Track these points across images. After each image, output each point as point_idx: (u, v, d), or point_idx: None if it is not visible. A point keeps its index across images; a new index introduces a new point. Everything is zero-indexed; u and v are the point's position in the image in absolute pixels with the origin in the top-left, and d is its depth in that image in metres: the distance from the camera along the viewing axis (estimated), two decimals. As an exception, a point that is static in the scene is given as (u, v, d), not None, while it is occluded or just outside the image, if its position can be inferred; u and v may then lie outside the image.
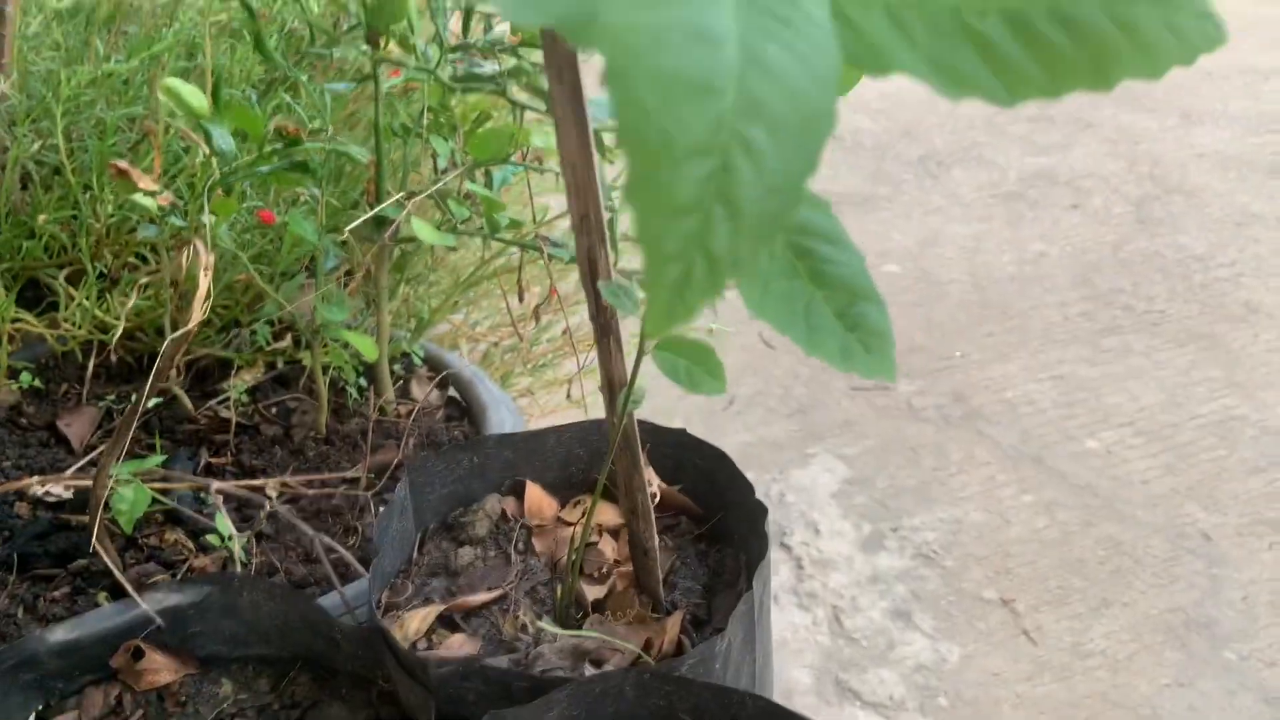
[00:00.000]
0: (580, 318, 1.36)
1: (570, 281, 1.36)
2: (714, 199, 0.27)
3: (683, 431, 0.89)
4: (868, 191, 2.72)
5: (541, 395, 1.48)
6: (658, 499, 0.84)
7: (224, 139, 0.84)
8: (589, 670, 0.75)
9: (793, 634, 1.50)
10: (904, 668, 1.45)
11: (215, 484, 0.77)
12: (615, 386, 0.66)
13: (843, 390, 2.00)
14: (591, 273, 0.59)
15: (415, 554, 0.86)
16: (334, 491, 0.93)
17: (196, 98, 0.82)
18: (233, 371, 1.08)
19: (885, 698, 1.41)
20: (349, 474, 0.93)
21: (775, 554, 1.62)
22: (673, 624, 0.76)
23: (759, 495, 0.79)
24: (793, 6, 0.30)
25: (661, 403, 1.90)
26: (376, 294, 0.98)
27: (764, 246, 0.28)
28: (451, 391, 1.08)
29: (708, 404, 1.98)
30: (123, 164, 0.79)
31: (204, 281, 0.72)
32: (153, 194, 0.81)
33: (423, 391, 1.07)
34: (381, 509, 0.85)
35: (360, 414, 1.03)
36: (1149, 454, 1.81)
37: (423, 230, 0.90)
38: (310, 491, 0.89)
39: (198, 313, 0.72)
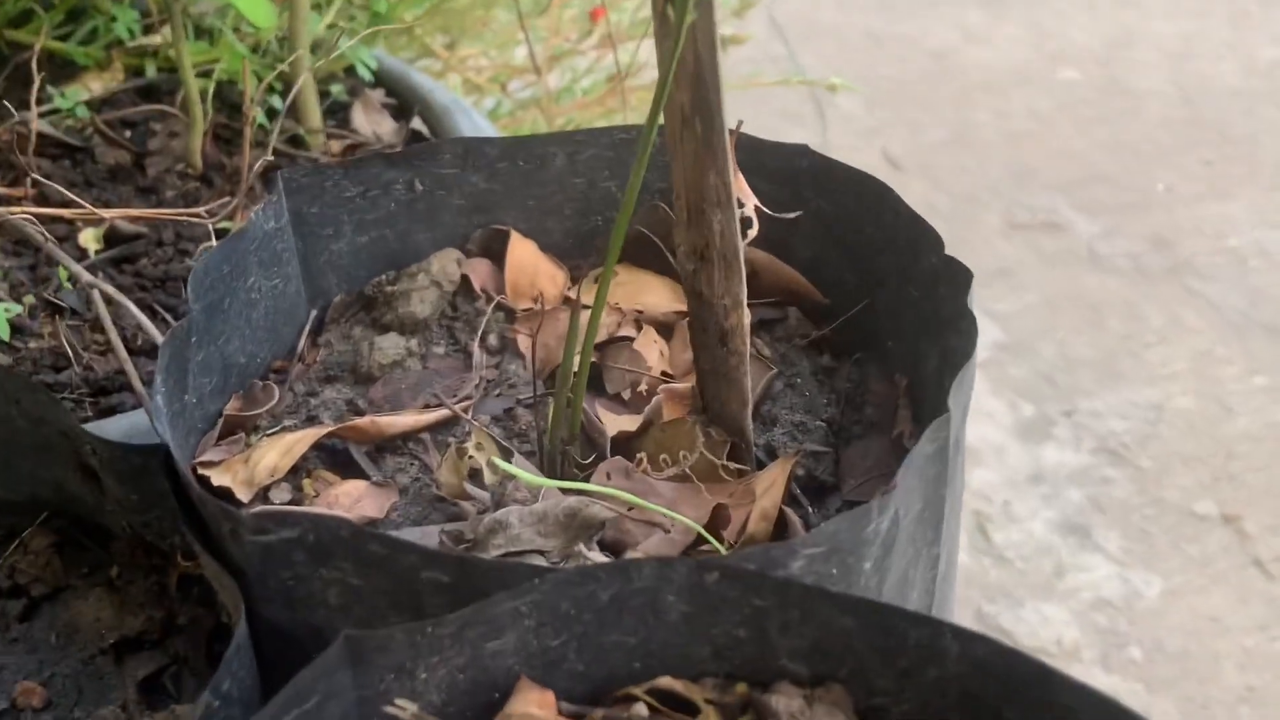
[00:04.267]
0: (640, 53, 0.91)
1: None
2: None
3: (804, 148, 0.53)
4: (1041, -19, 2.18)
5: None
6: (754, 230, 0.46)
7: None
8: (596, 557, 0.42)
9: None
10: (1078, 602, 1.05)
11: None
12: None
13: (996, 227, 1.54)
14: None
15: (303, 342, 0.53)
16: (189, 249, 0.59)
17: None
18: (77, 77, 0.70)
19: (1050, 642, 1.02)
20: (213, 211, 0.56)
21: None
22: (768, 483, 0.44)
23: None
24: None
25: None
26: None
27: None
28: (417, 123, 0.75)
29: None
30: None
31: None
32: None
33: (371, 121, 0.68)
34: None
35: (265, 145, 0.64)
36: None
37: None
38: (142, 220, 0.55)
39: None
